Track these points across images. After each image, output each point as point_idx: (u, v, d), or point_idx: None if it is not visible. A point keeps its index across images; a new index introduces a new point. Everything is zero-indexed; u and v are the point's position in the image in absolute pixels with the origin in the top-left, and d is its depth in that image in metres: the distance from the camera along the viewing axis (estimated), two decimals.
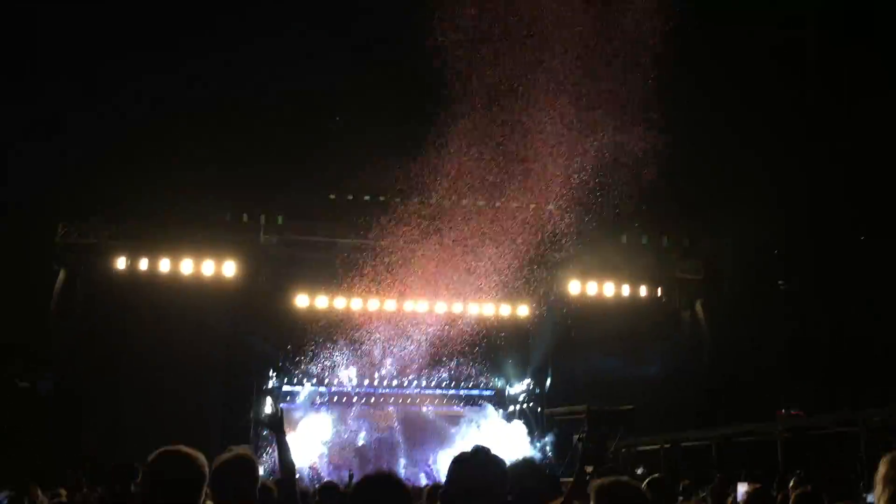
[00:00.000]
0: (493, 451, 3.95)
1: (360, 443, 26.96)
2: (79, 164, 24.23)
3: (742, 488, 12.71)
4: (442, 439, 27.74)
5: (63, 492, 8.81)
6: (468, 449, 4.00)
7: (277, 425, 4.76)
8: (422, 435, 27.72)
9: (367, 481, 3.78)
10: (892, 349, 24.25)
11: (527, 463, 5.08)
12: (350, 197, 27.47)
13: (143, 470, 4.07)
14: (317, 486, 11.81)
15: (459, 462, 3.86)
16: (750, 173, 25.13)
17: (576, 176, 20.40)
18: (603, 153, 19.91)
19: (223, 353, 25.58)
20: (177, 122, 24.95)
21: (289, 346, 26.97)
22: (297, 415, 27.48)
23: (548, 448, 27.37)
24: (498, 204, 23.05)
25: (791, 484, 10.88)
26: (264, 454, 24.74)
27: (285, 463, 4.67)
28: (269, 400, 25.38)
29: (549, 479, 6.81)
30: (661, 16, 17.27)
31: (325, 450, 26.37)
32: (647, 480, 7.57)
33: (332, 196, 27.83)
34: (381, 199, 25.85)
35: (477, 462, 3.84)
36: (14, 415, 22.29)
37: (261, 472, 4.46)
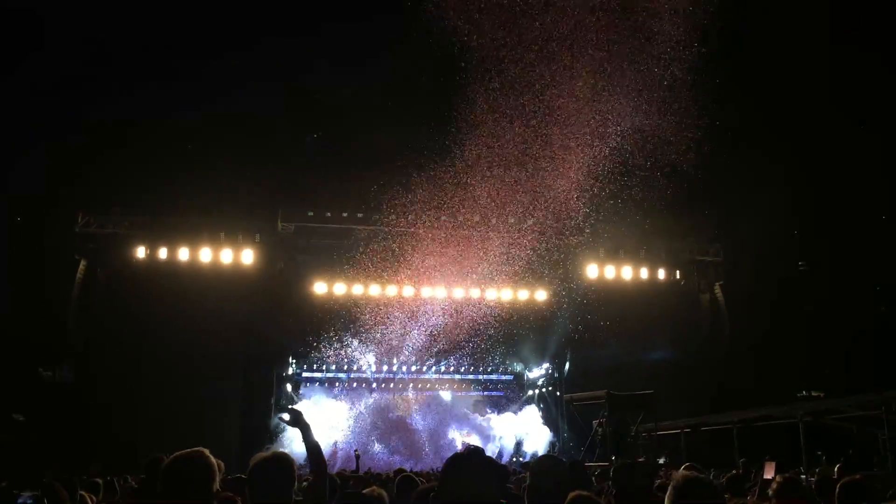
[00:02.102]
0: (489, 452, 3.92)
1: (380, 427, 27.00)
2: (98, 155, 24.33)
3: (770, 469, 12.67)
4: (461, 424, 27.84)
5: (100, 481, 8.86)
6: (462, 450, 3.97)
7: (300, 423, 4.74)
8: (441, 419, 27.79)
9: (457, 458, 3.79)
10: None
11: (547, 461, 5.02)
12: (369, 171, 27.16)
13: (161, 468, 4.15)
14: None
15: (453, 463, 3.82)
16: (771, 158, 24.90)
17: (598, 157, 20.26)
18: (626, 136, 19.75)
19: (242, 341, 25.64)
20: (195, 114, 24.98)
21: (307, 334, 26.99)
22: (314, 400, 27.62)
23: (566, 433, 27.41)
24: (520, 178, 22.78)
25: (819, 469, 10.79)
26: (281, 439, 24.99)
27: (316, 460, 4.65)
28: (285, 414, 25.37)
29: (573, 470, 6.78)
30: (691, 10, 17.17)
31: (341, 434, 26.38)
32: (725, 476, 7.52)
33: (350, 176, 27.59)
34: (401, 177, 25.68)
35: (471, 463, 3.79)
36: (36, 403, 22.53)
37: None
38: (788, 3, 21.89)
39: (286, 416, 4.88)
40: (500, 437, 28.10)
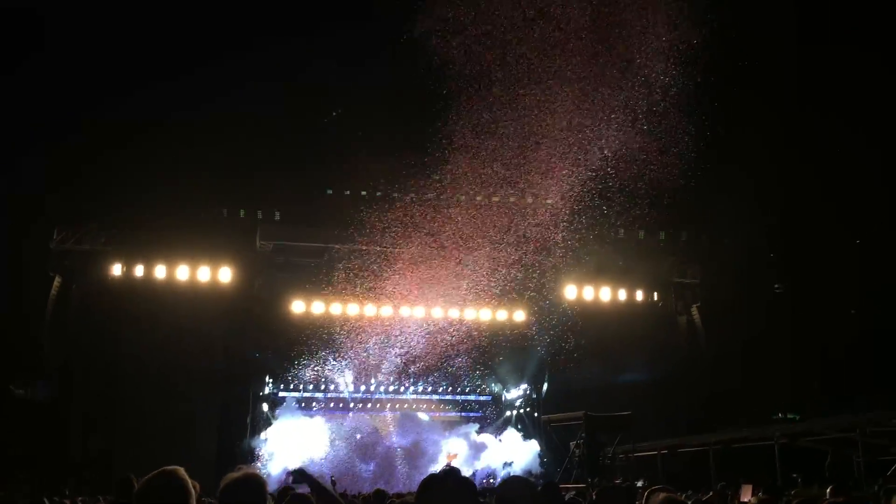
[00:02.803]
0: (463, 473, 3.90)
1: (356, 448, 26.83)
2: (75, 170, 24.15)
3: (746, 492, 12.72)
4: (438, 445, 27.70)
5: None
6: (437, 471, 3.95)
7: (306, 477, 4.77)
8: (418, 440, 27.62)
9: (432, 478, 3.77)
10: (889, 352, 24.31)
11: (516, 482, 4.98)
12: (347, 192, 27.21)
13: (134, 490, 4.08)
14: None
15: (428, 485, 3.80)
16: (745, 180, 25.16)
17: (578, 179, 20.39)
18: (604, 156, 19.90)
19: (219, 360, 25.44)
20: (172, 128, 24.89)
21: (285, 352, 26.82)
22: (291, 420, 27.41)
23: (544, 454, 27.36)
24: (496, 199, 22.92)
25: (794, 492, 10.85)
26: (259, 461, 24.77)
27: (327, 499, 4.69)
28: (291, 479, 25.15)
29: (546, 492, 6.77)
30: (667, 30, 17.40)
31: (321, 454, 26.19)
32: (703, 498, 7.53)
33: (330, 191, 27.59)
34: (378, 194, 25.75)
35: (446, 486, 3.78)
36: (10, 422, 22.20)
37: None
38: (767, 32, 22.23)
39: (291, 479, 4.92)
40: (484, 458, 27.96)
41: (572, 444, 21.28)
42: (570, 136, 19.70)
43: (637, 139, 19.13)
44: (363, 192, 26.88)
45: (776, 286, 28.79)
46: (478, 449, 28.05)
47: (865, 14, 23.42)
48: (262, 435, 26.17)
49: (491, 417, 30.70)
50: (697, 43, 17.18)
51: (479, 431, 29.11)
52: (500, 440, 28.73)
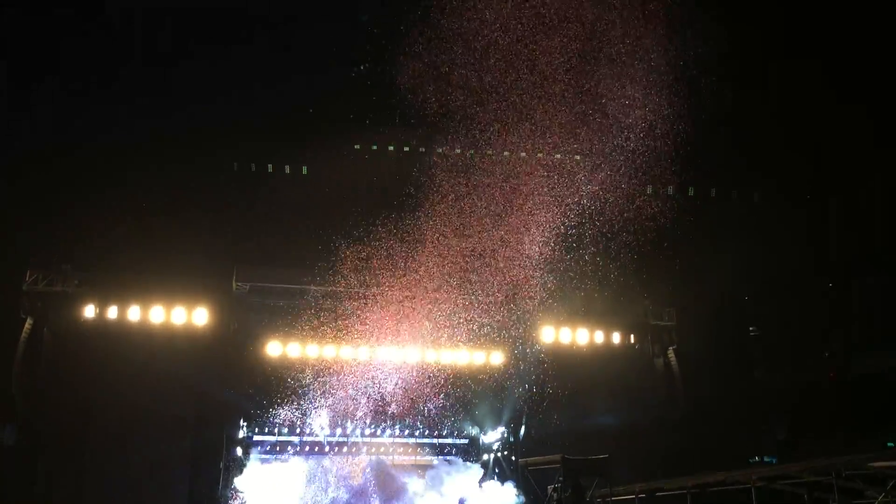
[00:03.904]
0: None
1: (332, 495, 26.51)
2: (47, 211, 24.01)
3: None
4: (414, 490, 27.40)
5: None
6: None
7: None
8: (394, 485, 27.32)
9: None
10: (864, 397, 24.53)
11: None
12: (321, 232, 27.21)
13: None
14: None
15: None
16: (722, 222, 25.52)
17: (557, 224, 20.58)
18: (582, 201, 20.12)
19: (193, 403, 25.11)
20: (147, 171, 24.88)
21: (259, 395, 26.52)
22: (266, 464, 27.06)
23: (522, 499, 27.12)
24: (479, 241, 23.04)
25: None
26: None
27: None
28: None
29: None
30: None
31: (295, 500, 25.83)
32: None
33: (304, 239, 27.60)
34: (356, 233, 25.76)
35: None
36: None
37: None
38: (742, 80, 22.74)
39: None
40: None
41: (549, 487, 21.16)
42: (550, 179, 19.93)
43: (616, 186, 19.38)
44: (340, 234, 26.89)
45: (751, 329, 29.01)
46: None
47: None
48: (236, 480, 25.76)
49: (468, 461, 30.40)
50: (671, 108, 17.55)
51: (481, 482, 28.90)
52: (481, 487, 28.52)
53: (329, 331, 25.64)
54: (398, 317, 24.80)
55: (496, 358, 28.30)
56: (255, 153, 27.14)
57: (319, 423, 28.36)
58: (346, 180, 24.52)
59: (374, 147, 25.59)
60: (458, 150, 20.62)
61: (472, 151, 20.50)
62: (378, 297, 24.49)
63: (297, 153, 26.53)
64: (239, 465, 26.53)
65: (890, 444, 24.85)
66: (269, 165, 27.57)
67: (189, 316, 26.02)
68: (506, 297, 24.27)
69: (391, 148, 26.05)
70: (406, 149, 24.04)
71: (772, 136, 25.58)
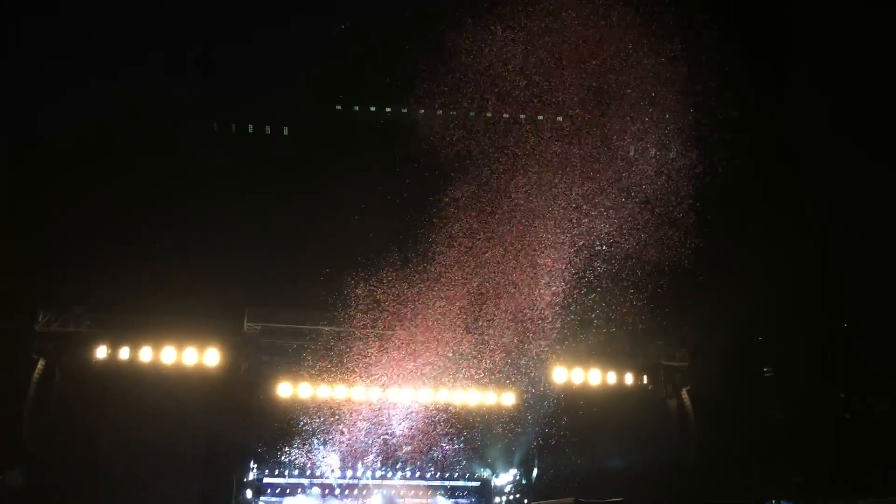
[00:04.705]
0: None
1: None
2: (60, 252, 24.13)
3: None
4: None
5: None
6: None
7: None
8: None
9: None
10: (881, 437, 24.24)
11: None
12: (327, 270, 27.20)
13: None
14: None
15: None
16: (734, 260, 25.44)
17: (570, 268, 20.54)
18: (592, 241, 20.10)
19: (204, 444, 25.01)
20: (160, 211, 25.03)
21: (270, 437, 26.38)
22: None
23: None
24: (491, 282, 22.99)
25: None
26: None
27: None
28: None
29: None
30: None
31: None
32: None
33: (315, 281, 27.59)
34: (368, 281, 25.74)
35: None
36: None
37: None
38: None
39: None
40: None
41: None
42: (565, 220, 19.94)
43: (632, 221, 19.37)
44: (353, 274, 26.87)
45: (765, 369, 28.77)
46: None
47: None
48: None
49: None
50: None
51: None
52: None
53: (340, 372, 25.54)
54: (409, 358, 24.70)
55: (508, 399, 28.07)
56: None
57: (330, 465, 28.18)
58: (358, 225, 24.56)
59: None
60: (471, 190, 20.63)
61: (485, 191, 20.52)
62: (390, 338, 24.42)
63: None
64: None
65: None
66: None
67: (200, 356, 25.97)
68: (518, 338, 24.15)
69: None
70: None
71: (786, 177, 25.60)
